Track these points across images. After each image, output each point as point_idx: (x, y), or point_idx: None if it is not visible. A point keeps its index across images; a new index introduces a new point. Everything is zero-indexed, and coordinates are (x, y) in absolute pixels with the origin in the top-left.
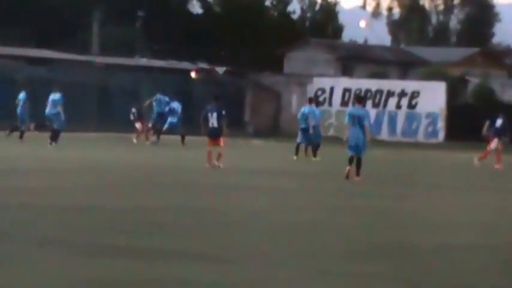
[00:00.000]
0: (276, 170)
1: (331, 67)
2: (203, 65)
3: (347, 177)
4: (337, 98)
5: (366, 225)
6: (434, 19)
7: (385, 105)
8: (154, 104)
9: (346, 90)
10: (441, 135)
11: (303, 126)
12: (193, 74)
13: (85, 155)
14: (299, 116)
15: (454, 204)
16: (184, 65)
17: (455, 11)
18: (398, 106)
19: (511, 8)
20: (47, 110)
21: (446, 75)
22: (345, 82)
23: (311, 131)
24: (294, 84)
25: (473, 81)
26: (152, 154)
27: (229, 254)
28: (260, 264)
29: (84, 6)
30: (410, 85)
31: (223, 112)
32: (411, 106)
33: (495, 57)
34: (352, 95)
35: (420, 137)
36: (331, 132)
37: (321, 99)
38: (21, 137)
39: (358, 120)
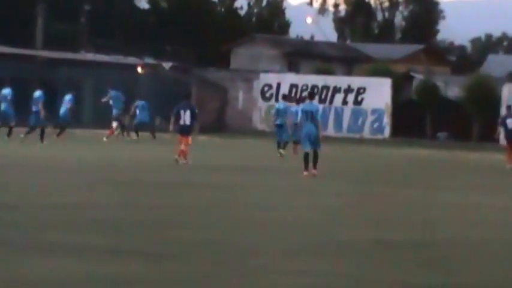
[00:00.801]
0: (227, 166)
1: (278, 63)
2: (149, 61)
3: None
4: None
5: (323, 223)
6: (379, 16)
7: (331, 101)
8: (111, 101)
9: (292, 86)
10: (387, 131)
11: (277, 122)
12: (139, 70)
13: (30, 151)
14: (273, 112)
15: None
16: (130, 60)
17: (400, 8)
18: (345, 102)
19: (455, 5)
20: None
21: (391, 72)
22: (291, 78)
23: (291, 128)
24: (240, 80)
25: (418, 77)
26: (104, 151)
27: (171, 251)
28: (203, 261)
29: (29, 0)
30: (356, 81)
31: (197, 111)
32: (357, 102)
33: (439, 54)
34: (299, 91)
35: (366, 133)
36: None
37: (267, 95)
38: (9, 134)
39: (311, 116)
